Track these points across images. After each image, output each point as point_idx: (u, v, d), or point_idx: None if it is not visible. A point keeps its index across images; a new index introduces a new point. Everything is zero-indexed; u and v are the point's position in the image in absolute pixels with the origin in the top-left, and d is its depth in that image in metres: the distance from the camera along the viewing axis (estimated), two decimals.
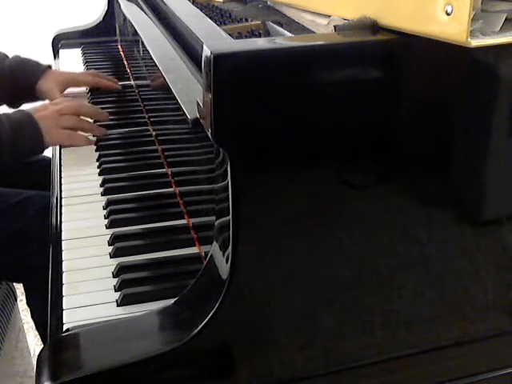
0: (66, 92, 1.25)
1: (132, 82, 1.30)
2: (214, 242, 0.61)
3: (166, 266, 0.74)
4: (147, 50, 0.85)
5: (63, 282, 0.72)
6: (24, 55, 1.25)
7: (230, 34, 0.69)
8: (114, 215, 0.84)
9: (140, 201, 0.88)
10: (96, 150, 1.05)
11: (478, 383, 0.70)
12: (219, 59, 0.49)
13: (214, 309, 0.56)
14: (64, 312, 0.67)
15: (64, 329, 0.64)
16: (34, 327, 1.20)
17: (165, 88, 0.74)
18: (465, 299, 0.66)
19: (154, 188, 0.91)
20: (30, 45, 1.26)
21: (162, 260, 0.75)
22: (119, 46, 1.53)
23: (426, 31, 0.50)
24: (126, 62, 1.41)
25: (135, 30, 1.00)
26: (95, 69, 1.43)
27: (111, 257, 0.77)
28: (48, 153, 1.11)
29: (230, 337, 0.59)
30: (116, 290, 0.70)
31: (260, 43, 0.58)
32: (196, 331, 0.56)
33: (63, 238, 0.81)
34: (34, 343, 1.63)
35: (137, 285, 0.70)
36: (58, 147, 1.08)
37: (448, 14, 0.48)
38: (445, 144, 0.59)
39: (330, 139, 0.55)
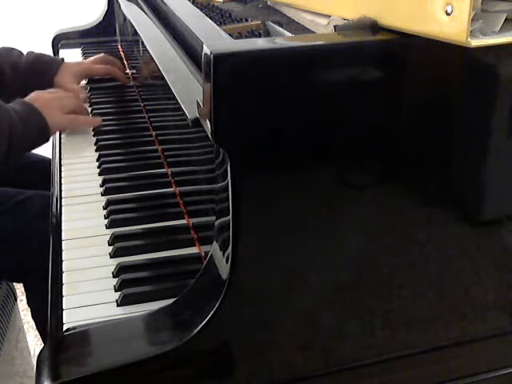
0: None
1: (132, 82, 1.30)
2: (214, 242, 0.61)
3: (166, 265, 0.74)
4: (147, 50, 0.85)
5: (63, 281, 0.72)
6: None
7: (230, 34, 0.69)
8: (114, 215, 0.84)
9: (140, 201, 0.88)
10: (96, 150, 1.05)
11: (478, 383, 0.70)
12: (219, 59, 0.49)
13: (214, 309, 0.56)
14: (64, 312, 0.67)
15: (64, 329, 0.64)
16: (34, 327, 1.20)
17: (158, 75, 0.75)
18: (465, 299, 0.66)
19: (154, 188, 0.91)
20: (30, 45, 1.26)
21: (162, 260, 0.75)
22: (119, 46, 1.53)
23: (426, 31, 0.50)
24: (126, 62, 1.41)
25: (135, 30, 1.00)
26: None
27: (111, 257, 0.77)
28: (48, 153, 1.11)
29: (230, 337, 0.59)
30: (116, 290, 0.70)
31: (260, 43, 0.58)
32: (196, 331, 0.56)
33: (63, 238, 0.81)
34: (34, 343, 1.63)
35: (137, 285, 0.70)
36: (57, 147, 1.08)
37: (448, 14, 0.48)
38: (445, 144, 0.59)
39: (329, 139, 0.55)
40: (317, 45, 0.54)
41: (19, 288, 1.29)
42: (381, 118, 0.56)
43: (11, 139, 0.92)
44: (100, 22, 1.63)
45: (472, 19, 0.47)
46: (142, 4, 1.08)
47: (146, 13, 1.04)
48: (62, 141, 1.10)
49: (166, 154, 0.98)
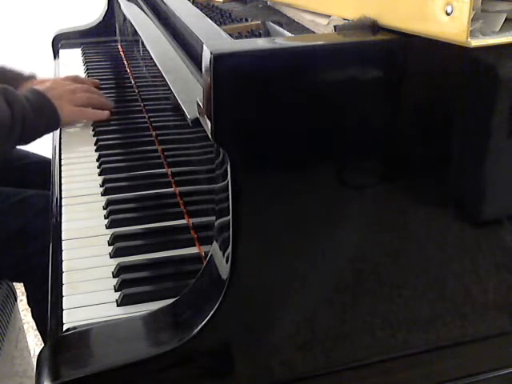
0: None
1: (132, 82, 1.30)
2: (214, 242, 0.61)
3: (166, 266, 0.74)
4: (147, 50, 0.85)
5: (63, 282, 0.72)
6: (24, 55, 1.25)
7: (230, 34, 0.69)
8: (114, 215, 0.84)
9: (140, 201, 0.88)
10: (96, 150, 1.05)
11: (478, 383, 0.70)
12: (219, 59, 0.49)
13: (214, 309, 0.56)
14: (64, 312, 0.67)
15: (64, 329, 0.64)
16: (34, 327, 1.20)
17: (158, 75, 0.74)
18: (465, 299, 0.66)
19: (154, 188, 0.91)
20: (30, 45, 1.26)
21: (162, 260, 0.75)
22: (119, 46, 1.53)
23: (426, 31, 0.50)
24: (125, 62, 1.41)
25: (135, 30, 1.00)
26: (95, 69, 1.43)
27: (111, 257, 0.77)
28: (48, 153, 1.11)
29: (230, 337, 0.59)
30: (116, 290, 0.70)
31: (260, 43, 0.58)
32: (196, 331, 0.56)
33: (63, 238, 0.81)
34: (34, 343, 1.63)
35: (137, 285, 0.70)
36: (57, 147, 1.08)
37: (448, 14, 0.48)
38: (445, 144, 0.59)
39: (329, 139, 0.55)
40: (317, 45, 0.54)
41: (19, 288, 1.29)
42: (381, 118, 0.56)
43: (23, 126, 0.96)
44: (100, 22, 1.63)
45: (472, 19, 0.47)
46: (141, 4, 1.08)
47: (146, 13, 1.04)
48: (61, 141, 1.10)
49: (165, 154, 0.98)
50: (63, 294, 0.70)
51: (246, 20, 0.83)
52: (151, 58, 0.82)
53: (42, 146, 1.17)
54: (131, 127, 1.15)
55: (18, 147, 1.08)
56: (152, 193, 0.90)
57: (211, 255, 0.61)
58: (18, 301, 1.27)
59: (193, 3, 0.94)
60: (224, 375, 0.60)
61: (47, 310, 0.70)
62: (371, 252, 0.60)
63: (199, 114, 0.56)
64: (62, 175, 0.98)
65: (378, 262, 0.61)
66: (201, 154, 0.73)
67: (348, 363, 0.64)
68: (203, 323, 0.56)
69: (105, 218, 0.84)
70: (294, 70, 0.51)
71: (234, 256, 0.55)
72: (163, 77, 0.74)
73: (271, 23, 0.77)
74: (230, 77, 0.50)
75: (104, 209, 0.87)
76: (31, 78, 1.24)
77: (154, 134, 1.06)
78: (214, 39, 0.66)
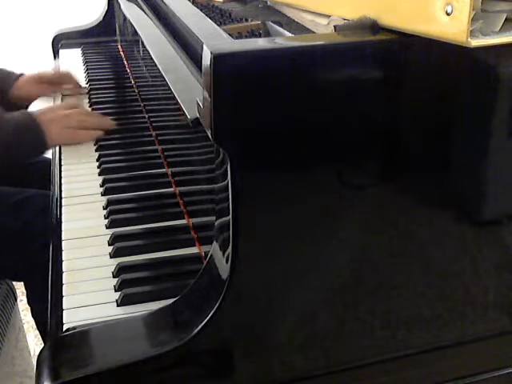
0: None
1: (132, 82, 1.30)
2: (214, 242, 0.61)
3: (166, 265, 0.74)
4: (147, 50, 0.85)
5: (63, 282, 0.72)
6: (24, 55, 1.25)
7: (230, 34, 0.69)
8: (114, 215, 0.84)
9: (140, 201, 0.88)
10: (96, 150, 1.05)
11: (478, 383, 0.70)
12: (219, 59, 0.49)
13: (214, 309, 0.56)
14: (64, 312, 0.67)
15: (64, 329, 0.64)
16: (34, 327, 1.20)
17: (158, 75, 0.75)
18: (465, 299, 0.66)
19: (154, 188, 0.91)
20: (30, 45, 1.26)
21: (162, 260, 0.75)
22: (119, 46, 1.53)
23: (426, 31, 0.50)
24: (125, 62, 1.41)
25: (135, 30, 1.00)
26: (95, 69, 1.43)
27: (111, 257, 0.77)
28: (48, 153, 1.11)
29: (230, 337, 0.59)
30: (116, 290, 0.70)
31: (260, 43, 0.58)
32: (196, 331, 0.56)
33: (63, 238, 0.81)
34: (34, 343, 1.63)
35: (137, 285, 0.70)
36: (58, 147, 1.08)
37: (448, 14, 0.48)
38: (445, 144, 0.59)
39: (329, 139, 0.55)
40: (317, 45, 0.54)
41: (19, 288, 1.29)
42: (381, 117, 0.56)
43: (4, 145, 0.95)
44: (100, 22, 1.63)
45: (472, 19, 0.47)
46: (141, 4, 1.08)
47: (146, 13, 1.04)
48: None
49: (165, 154, 0.98)
50: (63, 293, 0.70)
51: (246, 20, 0.83)
52: (151, 58, 0.82)
53: None
54: (131, 127, 1.15)
55: None
56: (152, 193, 0.90)
57: (211, 255, 0.61)
58: (18, 300, 1.27)
59: (193, 3, 0.94)
60: (224, 375, 0.60)
61: (47, 309, 0.70)
62: (371, 252, 0.60)
63: (199, 114, 0.56)
64: (62, 175, 0.98)
65: (377, 261, 0.61)
66: (201, 154, 0.73)
67: (348, 363, 0.63)
68: (203, 323, 0.56)
69: (105, 218, 0.84)
70: (294, 70, 0.51)
71: (234, 256, 0.55)
72: (163, 77, 0.74)
73: (271, 23, 0.77)
74: (230, 77, 0.50)
75: (104, 209, 0.87)
76: (20, 76, 1.27)
77: (153, 134, 1.06)
78: (213, 39, 0.66)
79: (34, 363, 0.60)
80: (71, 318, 0.66)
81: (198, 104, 0.56)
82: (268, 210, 0.55)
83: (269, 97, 0.52)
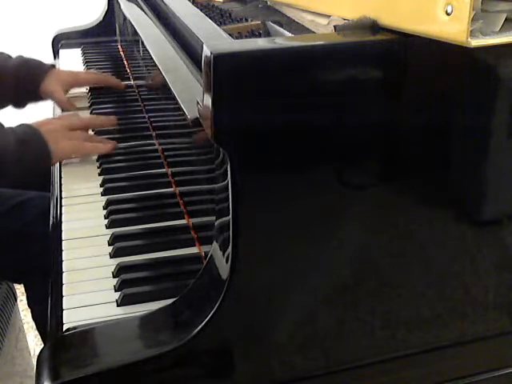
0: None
1: (132, 82, 1.30)
2: (214, 242, 0.61)
3: (166, 265, 0.74)
4: (147, 50, 0.85)
5: (63, 282, 0.72)
6: (26, 55, 1.25)
7: (230, 34, 0.69)
8: (114, 215, 0.84)
9: (140, 201, 0.88)
10: None
11: (478, 383, 0.70)
12: (219, 59, 0.49)
13: (214, 309, 0.56)
14: (64, 312, 0.67)
15: (64, 329, 0.64)
16: (34, 327, 1.20)
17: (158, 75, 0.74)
18: (465, 299, 0.66)
19: (154, 188, 0.91)
20: (30, 45, 1.26)
21: (162, 260, 0.75)
22: (119, 46, 1.53)
23: (426, 31, 0.50)
24: (125, 62, 1.41)
25: (135, 30, 1.00)
26: (95, 69, 1.43)
27: (111, 257, 0.77)
28: None
29: (230, 337, 0.59)
30: (116, 290, 0.70)
31: (260, 43, 0.58)
32: (196, 331, 0.56)
33: (63, 238, 0.81)
34: (34, 343, 1.63)
35: (137, 285, 0.70)
36: None
37: (448, 14, 0.48)
38: (445, 144, 0.59)
39: (329, 139, 0.55)
40: (317, 45, 0.54)
41: (19, 288, 1.29)
42: (381, 118, 0.56)
43: (2, 159, 0.88)
44: (100, 22, 1.62)
45: (472, 19, 0.47)
46: (141, 4, 1.08)
47: (146, 13, 1.04)
48: None
49: (165, 154, 0.98)
50: (63, 294, 0.70)
51: (246, 20, 0.83)
52: (151, 58, 0.82)
53: None
54: (131, 127, 1.15)
55: None
56: (152, 193, 0.90)
57: (211, 255, 0.61)
58: (18, 301, 1.27)
59: (193, 3, 0.94)
60: (224, 375, 0.60)
61: (47, 310, 0.70)
62: (371, 252, 0.60)
63: (199, 114, 0.56)
64: (62, 175, 0.98)
65: (377, 261, 0.61)
66: (201, 154, 0.73)
67: (348, 363, 0.64)
68: (203, 323, 0.56)
69: (105, 218, 0.84)
70: (294, 70, 0.51)
71: (234, 256, 0.55)
72: (163, 77, 0.74)
73: (271, 23, 0.77)
74: (230, 77, 0.50)
75: (104, 209, 0.87)
76: (51, 68, 1.24)
77: (153, 134, 1.06)
78: (214, 39, 0.66)
79: (34, 363, 0.60)
80: (71, 318, 0.66)
81: (198, 104, 0.56)
82: (268, 210, 0.55)
83: (269, 97, 0.52)
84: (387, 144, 0.57)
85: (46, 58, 1.49)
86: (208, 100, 0.51)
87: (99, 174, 0.97)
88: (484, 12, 0.50)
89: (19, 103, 1.24)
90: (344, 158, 0.56)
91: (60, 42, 1.60)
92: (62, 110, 1.22)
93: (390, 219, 0.60)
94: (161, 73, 0.75)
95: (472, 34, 0.48)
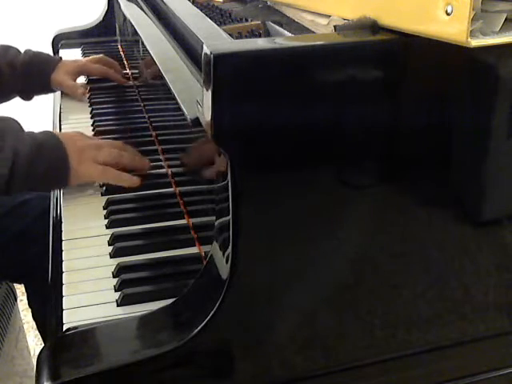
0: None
1: (132, 82, 1.30)
2: (214, 242, 0.61)
3: (166, 266, 0.74)
4: (147, 50, 0.85)
5: (63, 282, 0.72)
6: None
7: (230, 34, 0.69)
8: (114, 215, 0.84)
9: (140, 201, 0.88)
10: None
11: (478, 383, 0.70)
12: (219, 59, 0.49)
13: (214, 309, 0.56)
14: (64, 312, 0.67)
15: (64, 329, 0.64)
16: (34, 327, 1.20)
17: (158, 75, 0.74)
18: (465, 299, 0.66)
19: (154, 188, 0.91)
20: (30, 45, 1.26)
21: (162, 260, 0.75)
22: (119, 46, 1.53)
23: (426, 31, 0.50)
24: (126, 62, 1.41)
25: (135, 30, 1.00)
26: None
27: (111, 257, 0.77)
28: None
29: (230, 337, 0.59)
30: (116, 290, 0.70)
31: (260, 43, 0.58)
32: (196, 331, 0.56)
33: (63, 238, 0.81)
34: (34, 343, 1.63)
35: (137, 285, 0.70)
36: None
37: (448, 14, 0.48)
38: (445, 144, 0.59)
39: (329, 139, 0.55)
40: (317, 45, 0.54)
41: (19, 288, 1.29)
42: (381, 117, 0.56)
43: (14, 166, 0.79)
44: (100, 22, 1.63)
45: (472, 19, 0.47)
46: (141, 4, 1.08)
47: (146, 13, 1.04)
48: None
49: (166, 154, 0.98)
50: (63, 294, 0.70)
51: (246, 20, 0.83)
52: (151, 58, 0.82)
53: None
54: (131, 127, 1.15)
55: None
56: (152, 193, 0.90)
57: (211, 255, 0.61)
58: (18, 301, 1.27)
59: (193, 3, 0.94)
60: (224, 375, 0.60)
61: (47, 310, 0.70)
62: (371, 252, 0.60)
63: (199, 114, 0.56)
64: None
65: (378, 261, 0.61)
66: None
67: (348, 363, 0.64)
68: (203, 323, 0.56)
69: (105, 218, 0.84)
70: (294, 70, 0.51)
71: (234, 256, 0.55)
72: (163, 77, 0.74)
73: (271, 23, 0.77)
74: (230, 77, 0.50)
75: (104, 209, 0.87)
76: (60, 60, 1.27)
77: (153, 134, 1.06)
78: (214, 39, 0.66)
79: (34, 363, 0.60)
80: (71, 318, 0.66)
81: (198, 104, 0.56)
82: (268, 210, 0.55)
83: (269, 97, 0.52)
84: (387, 144, 0.57)
85: None
86: (208, 100, 0.51)
87: None
88: (484, 12, 0.50)
89: (28, 95, 1.26)
90: (344, 158, 0.56)
91: (60, 41, 1.61)
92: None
93: (390, 219, 0.60)
94: (159, 71, 0.75)
95: (472, 34, 0.48)
